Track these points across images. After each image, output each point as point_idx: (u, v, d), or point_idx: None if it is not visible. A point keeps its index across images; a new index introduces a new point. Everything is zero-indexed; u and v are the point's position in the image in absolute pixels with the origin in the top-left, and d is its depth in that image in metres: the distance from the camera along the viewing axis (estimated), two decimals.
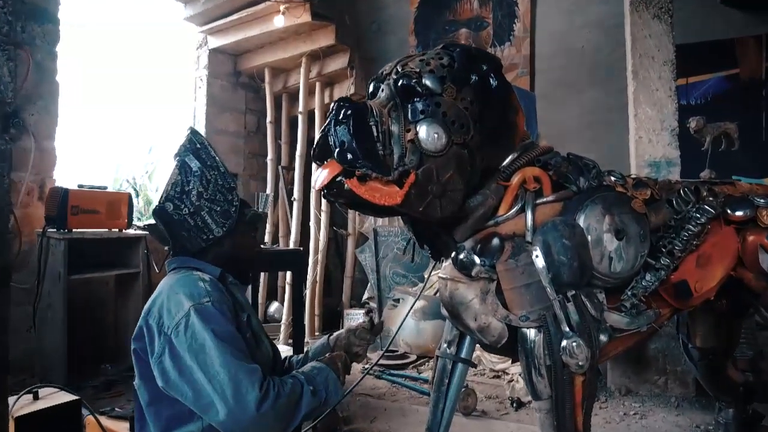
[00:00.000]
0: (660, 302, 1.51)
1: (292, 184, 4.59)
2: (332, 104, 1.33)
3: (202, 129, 4.56)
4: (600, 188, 1.44)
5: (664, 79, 2.93)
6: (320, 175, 1.31)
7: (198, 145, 1.38)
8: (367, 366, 3.44)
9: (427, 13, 4.78)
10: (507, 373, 3.05)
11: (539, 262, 1.32)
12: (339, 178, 1.27)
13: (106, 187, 3.35)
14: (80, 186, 3.18)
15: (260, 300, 4.49)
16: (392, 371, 3.27)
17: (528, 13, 4.47)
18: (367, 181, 1.26)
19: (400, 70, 1.37)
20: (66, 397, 1.76)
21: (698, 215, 1.51)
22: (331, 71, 4.41)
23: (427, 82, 1.32)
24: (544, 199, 1.42)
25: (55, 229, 2.99)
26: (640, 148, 2.96)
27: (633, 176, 1.62)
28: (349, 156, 1.25)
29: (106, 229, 3.27)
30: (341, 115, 1.28)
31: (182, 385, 1.15)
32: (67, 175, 3.35)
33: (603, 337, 1.36)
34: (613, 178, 1.52)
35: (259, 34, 4.27)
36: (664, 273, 1.44)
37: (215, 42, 4.52)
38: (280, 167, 4.75)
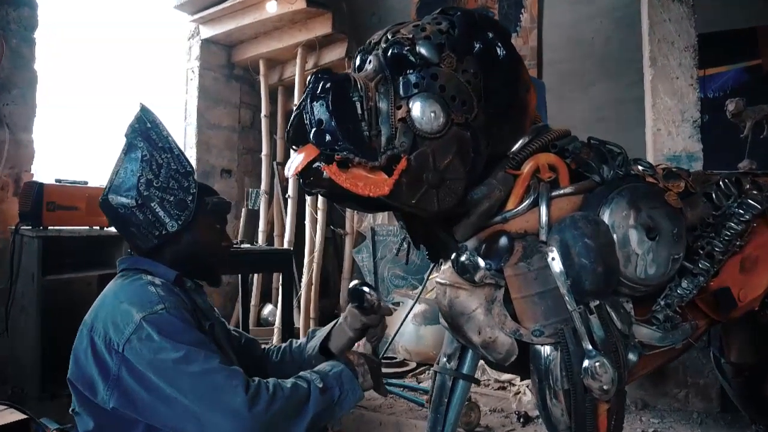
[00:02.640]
0: (696, 313, 1.29)
1: (288, 181, 4.39)
2: (309, 77, 1.12)
3: (193, 123, 4.37)
4: (627, 178, 1.22)
5: (685, 66, 2.69)
6: (294, 160, 1.10)
7: (148, 125, 1.18)
8: None
9: (429, 3, 4.57)
10: (513, 384, 2.83)
11: (556, 265, 1.11)
12: (316, 164, 1.06)
13: (86, 182, 3.14)
14: (58, 180, 2.98)
15: (253, 302, 4.29)
16: (390, 380, 3.05)
17: (535, 2, 4.25)
18: (349, 167, 1.05)
19: (390, 37, 1.16)
20: (14, 415, 1.56)
21: (741, 211, 1.29)
22: (328, 62, 4.20)
23: (422, 50, 1.11)
24: (561, 191, 1.20)
25: (29, 227, 2.80)
26: (659, 142, 2.73)
27: (662, 166, 1.40)
28: (328, 137, 1.04)
29: (87, 227, 3.06)
30: (319, 89, 1.07)
31: (156, 404, 0.98)
32: (67, 173, 3.16)
33: (632, 356, 1.14)
34: (640, 168, 1.30)
35: (252, 23, 4.07)
36: (703, 279, 1.22)
37: (207, 32, 4.32)
38: (275, 163, 4.54)
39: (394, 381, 3.05)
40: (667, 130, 2.72)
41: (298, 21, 4.07)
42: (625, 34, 3.70)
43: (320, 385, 1.06)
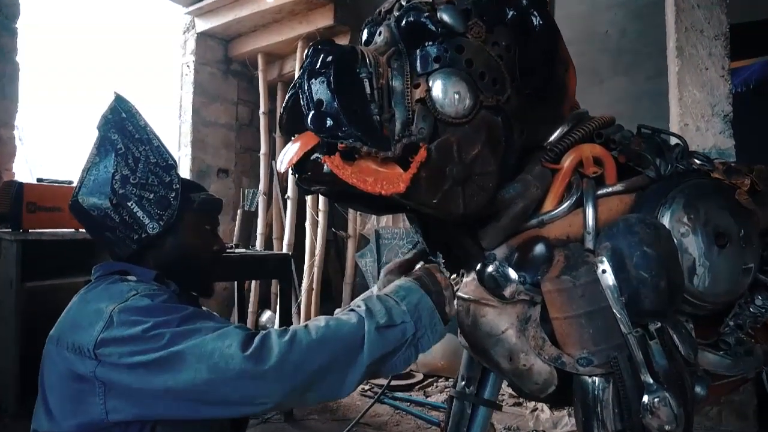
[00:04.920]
0: (765, 335, 1.09)
1: (287, 180, 4.19)
2: (307, 49, 0.92)
3: (188, 120, 4.18)
4: (688, 174, 1.03)
5: (716, 56, 2.50)
6: (288, 151, 0.90)
7: (123, 114, 1.02)
8: (366, 387, 3.01)
9: None
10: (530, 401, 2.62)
11: (608, 279, 0.91)
12: (315, 155, 0.86)
13: (71, 182, 2.95)
14: (40, 180, 2.79)
15: (251, 308, 4.09)
16: (396, 394, 2.85)
17: None
18: (355, 158, 0.86)
19: (404, 3, 0.96)
20: None
21: None
22: None
23: (445, 17, 0.92)
24: (610, 189, 1.01)
25: (8, 229, 2.61)
26: (687, 138, 2.52)
27: (719, 160, 1.20)
28: (329, 122, 0.85)
29: (72, 230, 2.87)
30: (318, 64, 0.88)
31: (158, 393, 0.83)
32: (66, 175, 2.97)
33: (699, 389, 0.94)
34: (698, 161, 1.10)
35: (250, 14, 3.88)
36: None
37: (203, 25, 4.13)
38: (273, 162, 4.34)
39: (400, 395, 2.85)
40: (696, 125, 2.52)
41: (298, 13, 3.88)
42: (642, 26, 3.54)
43: (382, 321, 0.85)
